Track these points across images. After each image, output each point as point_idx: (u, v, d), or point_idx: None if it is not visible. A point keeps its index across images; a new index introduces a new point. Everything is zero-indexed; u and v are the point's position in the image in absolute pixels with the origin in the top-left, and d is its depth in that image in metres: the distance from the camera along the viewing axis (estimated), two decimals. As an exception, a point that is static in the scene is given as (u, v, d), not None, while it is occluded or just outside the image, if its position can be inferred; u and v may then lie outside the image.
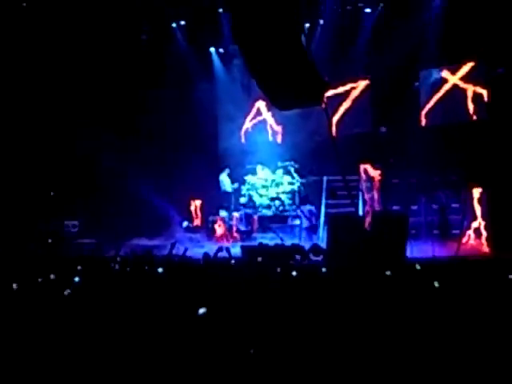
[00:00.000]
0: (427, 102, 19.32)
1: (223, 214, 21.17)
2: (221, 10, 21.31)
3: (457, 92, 18.72)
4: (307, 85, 12.51)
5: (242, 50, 13.29)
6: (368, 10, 20.40)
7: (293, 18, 12.09)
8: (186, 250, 14.09)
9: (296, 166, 21.27)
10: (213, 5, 21.48)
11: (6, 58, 20.71)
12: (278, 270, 10.44)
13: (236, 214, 21.08)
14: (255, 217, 21.06)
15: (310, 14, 20.55)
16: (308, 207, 20.00)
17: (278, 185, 21.57)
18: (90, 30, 21.05)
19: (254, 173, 21.79)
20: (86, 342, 5.47)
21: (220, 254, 12.97)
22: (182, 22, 22.81)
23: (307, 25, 20.39)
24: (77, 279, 9.39)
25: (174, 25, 22.91)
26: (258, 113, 22.46)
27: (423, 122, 19.34)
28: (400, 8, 19.44)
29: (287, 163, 21.40)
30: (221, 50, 22.90)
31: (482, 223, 16.82)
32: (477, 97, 18.22)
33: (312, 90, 12.60)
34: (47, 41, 21.15)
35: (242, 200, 21.64)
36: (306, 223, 19.76)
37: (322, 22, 20.89)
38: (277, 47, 11.91)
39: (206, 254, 12.97)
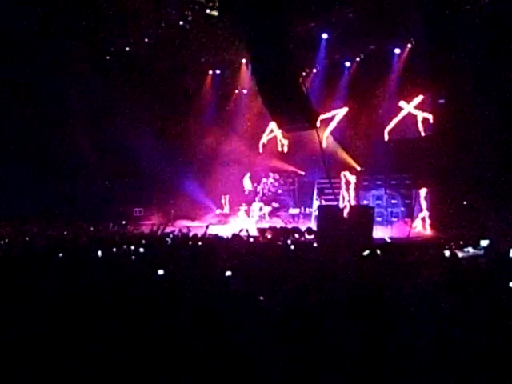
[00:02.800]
0: (389, 123, 19.18)
1: (244, 205, 21.22)
2: (244, 61, 21.33)
3: (410, 116, 18.60)
4: (304, 115, 12.52)
5: (259, 91, 13.32)
6: (347, 64, 20.34)
7: (294, 68, 12.11)
8: (207, 226, 14.16)
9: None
10: (239, 58, 21.48)
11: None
12: (283, 243, 10.48)
13: (254, 205, 21.12)
14: (268, 207, 21.13)
15: (306, 65, 20.57)
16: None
17: (283, 185, 21.61)
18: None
19: (267, 176, 21.82)
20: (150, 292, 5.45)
21: (241, 233, 12.98)
22: (218, 71, 22.95)
23: (304, 73, 20.47)
24: (141, 250, 9.41)
25: (210, 72, 23.02)
26: (271, 131, 22.41)
27: (386, 137, 19.19)
28: (370, 61, 19.40)
29: (290, 168, 21.46)
30: (244, 91, 22.88)
31: (427, 214, 16.73)
32: (425, 120, 18.13)
33: (308, 118, 12.60)
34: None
35: (258, 197, 21.65)
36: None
37: (314, 70, 20.85)
38: (283, 89, 11.93)
39: (233, 234, 12.98)
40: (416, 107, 18.47)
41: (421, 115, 18.23)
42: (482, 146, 15.37)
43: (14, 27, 17.72)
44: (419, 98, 18.36)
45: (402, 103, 18.83)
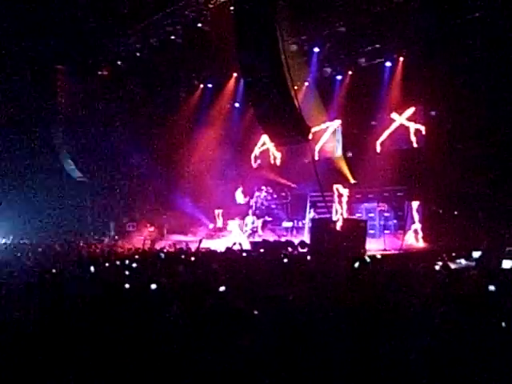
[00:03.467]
0: (381, 135, 19.25)
1: (237, 219, 21.18)
2: (235, 74, 21.42)
3: (403, 128, 18.66)
4: (296, 128, 12.62)
5: (252, 104, 13.44)
6: (339, 77, 20.45)
7: (286, 83, 12.21)
8: (200, 240, 14.18)
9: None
10: (231, 71, 21.53)
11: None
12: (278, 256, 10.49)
13: (247, 219, 21.07)
14: (261, 220, 21.07)
15: (299, 79, 20.62)
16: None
17: (276, 198, 21.63)
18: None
19: (259, 189, 21.81)
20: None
21: (234, 247, 12.99)
22: (209, 85, 23.04)
23: (295, 87, 20.52)
24: (134, 265, 9.41)
25: (201, 86, 23.10)
26: (263, 144, 22.39)
27: (378, 149, 19.24)
28: (361, 74, 19.46)
29: (283, 181, 21.49)
30: (236, 105, 22.95)
31: (419, 226, 16.77)
32: (417, 131, 18.17)
33: (300, 131, 12.70)
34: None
35: (250, 210, 21.61)
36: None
37: (306, 84, 20.94)
38: (275, 102, 12.03)
39: (227, 247, 12.99)
40: (408, 119, 18.54)
41: (413, 127, 18.31)
42: (474, 157, 15.48)
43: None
44: (411, 110, 18.46)
45: (394, 115, 18.89)
